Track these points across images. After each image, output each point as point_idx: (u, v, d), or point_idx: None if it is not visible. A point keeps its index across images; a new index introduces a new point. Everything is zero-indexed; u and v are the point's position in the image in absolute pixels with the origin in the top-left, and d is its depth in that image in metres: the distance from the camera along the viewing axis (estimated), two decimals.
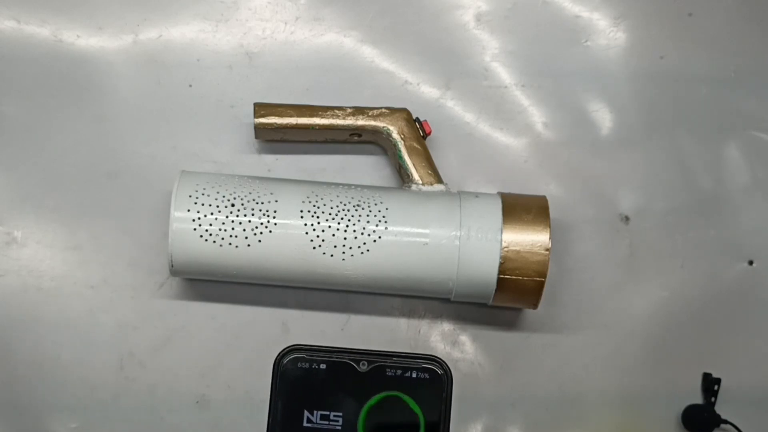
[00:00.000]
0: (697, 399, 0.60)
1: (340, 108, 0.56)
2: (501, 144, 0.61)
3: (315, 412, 0.36)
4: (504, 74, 0.61)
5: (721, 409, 0.59)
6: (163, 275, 0.58)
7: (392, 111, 0.57)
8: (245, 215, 0.52)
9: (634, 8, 0.62)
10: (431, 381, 0.36)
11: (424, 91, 0.61)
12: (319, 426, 0.36)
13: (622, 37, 0.62)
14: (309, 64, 0.60)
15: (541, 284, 0.53)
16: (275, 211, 0.52)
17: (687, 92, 0.62)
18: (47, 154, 0.58)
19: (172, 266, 0.52)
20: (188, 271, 0.53)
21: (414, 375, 0.36)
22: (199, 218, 0.51)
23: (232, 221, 0.52)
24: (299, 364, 0.37)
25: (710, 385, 0.60)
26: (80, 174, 0.58)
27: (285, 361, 0.37)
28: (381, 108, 0.57)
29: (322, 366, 0.37)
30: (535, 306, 0.54)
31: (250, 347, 0.58)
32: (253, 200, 0.52)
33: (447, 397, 0.36)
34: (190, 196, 0.52)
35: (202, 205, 0.52)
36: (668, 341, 0.60)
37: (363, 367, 0.37)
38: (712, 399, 0.59)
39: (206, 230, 0.51)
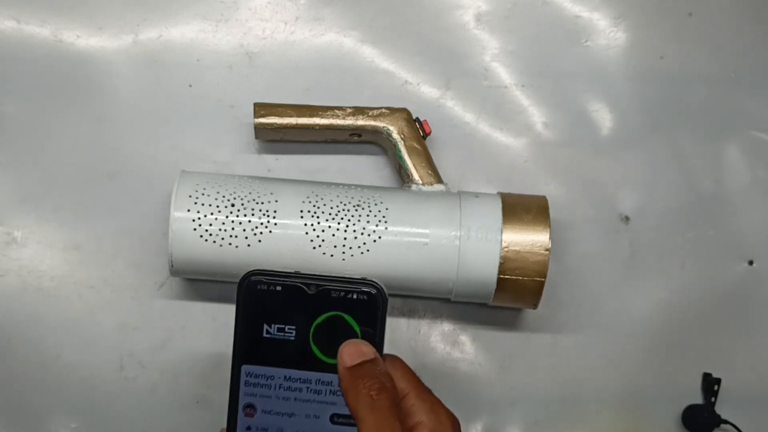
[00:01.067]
0: (697, 399, 0.60)
1: (340, 108, 0.56)
2: (501, 144, 0.61)
3: (272, 325, 0.43)
4: (504, 74, 0.61)
5: (721, 409, 0.59)
6: (163, 275, 0.58)
7: (392, 111, 0.57)
8: (245, 215, 0.52)
9: (634, 8, 0.62)
10: (368, 301, 0.43)
11: (424, 91, 0.61)
12: (276, 336, 0.43)
13: (622, 37, 0.62)
14: (309, 64, 0.60)
15: (541, 284, 0.53)
16: (275, 211, 0.52)
17: (687, 92, 0.62)
18: (47, 154, 0.58)
19: (172, 266, 0.52)
20: (188, 271, 0.53)
21: (354, 296, 0.43)
22: (199, 218, 0.51)
23: (232, 221, 0.52)
24: (258, 286, 0.43)
25: (710, 385, 0.60)
26: (80, 174, 0.58)
27: (247, 283, 0.43)
28: (381, 108, 0.57)
29: (278, 288, 0.43)
30: (535, 306, 0.54)
31: None
32: (253, 200, 0.52)
33: (382, 315, 0.43)
34: (190, 196, 0.52)
35: (202, 205, 0.52)
36: (668, 341, 0.60)
37: (312, 290, 0.43)
38: (712, 399, 0.59)
39: (206, 230, 0.51)
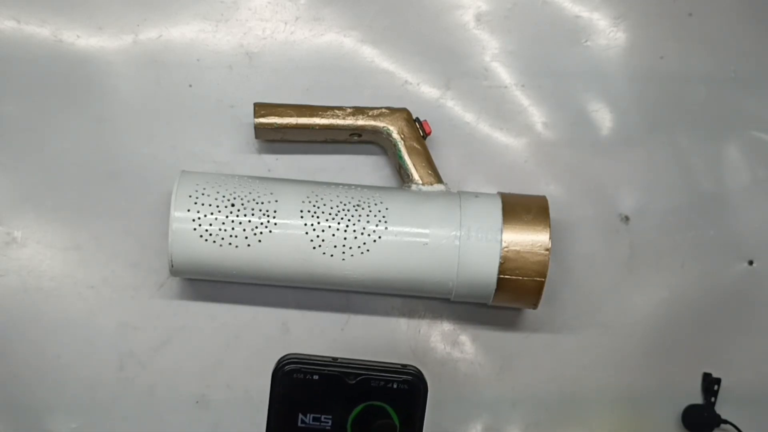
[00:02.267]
0: (697, 399, 0.60)
1: (340, 108, 0.56)
2: (501, 144, 0.61)
3: (308, 414, 0.42)
4: (504, 74, 0.61)
5: (721, 409, 0.59)
6: (163, 275, 0.58)
7: (392, 111, 0.57)
8: (245, 215, 0.52)
9: (634, 8, 0.62)
10: (409, 392, 0.42)
11: (424, 91, 0.61)
12: (312, 426, 0.42)
13: (622, 37, 0.62)
14: (309, 64, 0.60)
15: (541, 284, 0.53)
16: (275, 211, 0.52)
17: (687, 92, 0.62)
18: (47, 154, 0.58)
19: (172, 266, 0.52)
20: (188, 271, 0.53)
21: (395, 386, 0.42)
22: (199, 218, 0.51)
23: (232, 221, 0.52)
24: (295, 375, 0.42)
25: (710, 385, 0.60)
26: (80, 174, 0.58)
27: (282, 371, 0.42)
28: (381, 108, 0.57)
29: (315, 377, 0.42)
30: (535, 306, 0.54)
31: (250, 347, 0.58)
32: (253, 200, 0.52)
33: (422, 403, 0.42)
34: (190, 196, 0.52)
35: (202, 205, 0.52)
36: (668, 341, 0.60)
37: (351, 380, 0.42)
38: (712, 399, 0.59)
39: (206, 230, 0.51)
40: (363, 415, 0.42)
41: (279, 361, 0.42)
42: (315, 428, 0.42)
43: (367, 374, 0.42)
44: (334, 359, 0.42)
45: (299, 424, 0.42)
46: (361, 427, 0.41)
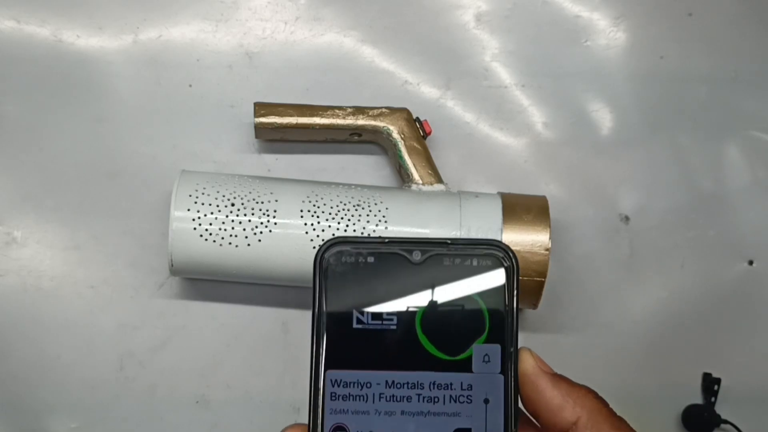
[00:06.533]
0: (697, 399, 0.60)
1: (340, 108, 0.56)
2: (501, 144, 0.61)
3: (365, 311, 0.33)
4: (504, 74, 0.61)
5: (721, 409, 0.59)
6: (163, 275, 0.58)
7: (392, 111, 0.57)
8: (245, 215, 0.52)
9: (634, 8, 0.62)
10: (494, 268, 0.33)
11: (424, 91, 0.61)
12: (372, 326, 0.32)
13: (622, 37, 0.62)
14: (309, 64, 0.60)
15: (541, 284, 0.53)
16: (275, 211, 0.52)
17: (687, 92, 0.62)
18: (47, 154, 0.58)
19: (172, 266, 0.52)
20: (188, 271, 0.53)
21: (475, 263, 0.33)
22: (199, 218, 0.51)
23: (232, 221, 0.52)
24: (344, 259, 0.32)
25: (710, 385, 0.60)
26: (80, 174, 0.58)
27: (327, 256, 0.32)
28: (381, 108, 0.57)
29: (370, 259, 0.33)
30: (535, 306, 0.54)
31: (250, 347, 0.58)
32: (253, 200, 0.52)
33: (514, 285, 0.33)
34: (190, 196, 0.52)
35: (202, 204, 0.52)
36: (668, 341, 0.60)
37: (416, 258, 0.33)
38: (712, 399, 0.59)
39: (206, 230, 0.51)
40: (437, 304, 0.33)
41: (322, 246, 0.32)
42: (376, 329, 0.32)
43: (437, 250, 0.32)
44: (390, 237, 0.33)
45: (355, 325, 0.32)
46: (438, 322, 0.32)
